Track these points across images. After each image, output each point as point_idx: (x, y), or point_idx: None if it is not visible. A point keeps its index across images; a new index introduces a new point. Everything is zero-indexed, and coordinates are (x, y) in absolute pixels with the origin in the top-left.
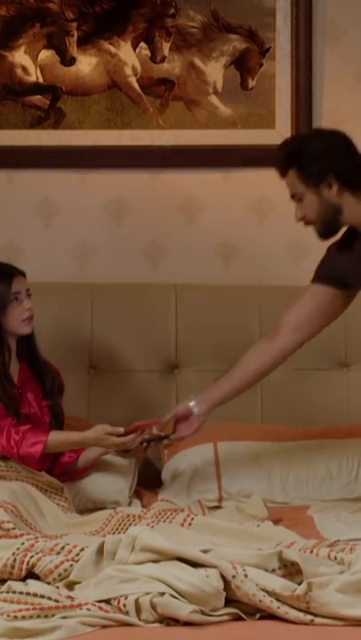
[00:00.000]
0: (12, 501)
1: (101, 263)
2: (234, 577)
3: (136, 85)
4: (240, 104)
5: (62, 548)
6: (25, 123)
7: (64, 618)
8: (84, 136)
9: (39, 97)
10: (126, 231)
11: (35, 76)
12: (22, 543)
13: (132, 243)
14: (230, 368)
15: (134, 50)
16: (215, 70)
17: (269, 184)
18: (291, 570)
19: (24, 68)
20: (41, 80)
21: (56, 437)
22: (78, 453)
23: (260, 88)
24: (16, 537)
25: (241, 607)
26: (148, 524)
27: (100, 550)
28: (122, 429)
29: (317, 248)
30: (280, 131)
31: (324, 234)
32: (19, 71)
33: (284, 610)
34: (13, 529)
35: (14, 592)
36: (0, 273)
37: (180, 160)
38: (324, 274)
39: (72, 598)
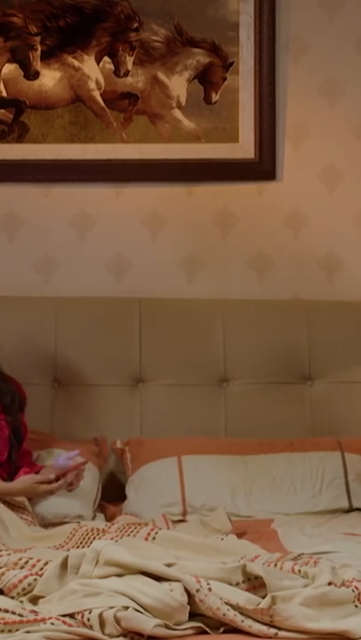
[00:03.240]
0: None
1: (65, 277)
2: (198, 591)
3: (100, 99)
4: (204, 118)
5: (26, 562)
6: None
7: (28, 632)
8: (47, 150)
9: (3, 111)
10: (90, 245)
11: None
12: None
13: (96, 257)
14: None
15: (98, 64)
16: (179, 84)
17: (233, 198)
18: (255, 583)
19: None
20: (4, 94)
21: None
22: (35, 469)
23: (223, 102)
24: None
25: (205, 621)
26: (112, 538)
27: (64, 564)
28: (52, 476)
29: (280, 261)
30: (243, 145)
31: None
32: None
33: (248, 623)
34: None
35: None
36: None
37: (143, 174)
38: None
39: (36, 612)
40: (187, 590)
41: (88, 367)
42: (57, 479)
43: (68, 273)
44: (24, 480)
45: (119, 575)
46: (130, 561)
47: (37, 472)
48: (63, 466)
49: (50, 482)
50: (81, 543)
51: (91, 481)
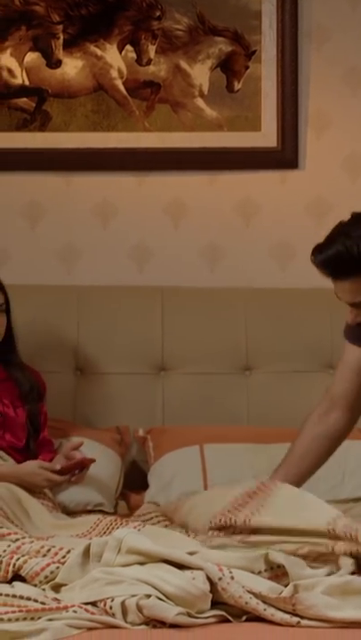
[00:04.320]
0: None
1: (87, 266)
2: (220, 579)
3: (122, 88)
4: (226, 107)
5: (48, 550)
6: (11, 125)
7: (50, 620)
8: (69, 139)
9: (25, 99)
10: (112, 234)
11: (21, 78)
12: (9, 545)
13: (118, 245)
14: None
15: (120, 52)
16: (201, 73)
17: (255, 187)
18: (277, 572)
19: (10, 71)
20: (27, 83)
21: None
22: (54, 455)
23: (245, 91)
24: (3, 536)
25: (227, 609)
26: (135, 527)
27: (87, 553)
28: (58, 466)
29: (303, 250)
30: (266, 133)
31: None
32: (4, 74)
33: (270, 612)
34: (0, 527)
35: (0, 594)
36: None
37: (166, 163)
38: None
39: (58, 600)
40: (209, 578)
41: (110, 355)
42: (63, 472)
43: (90, 262)
44: (29, 463)
45: (141, 563)
46: (152, 549)
47: (51, 459)
48: (67, 455)
49: (54, 471)
50: (104, 533)
51: (113, 469)
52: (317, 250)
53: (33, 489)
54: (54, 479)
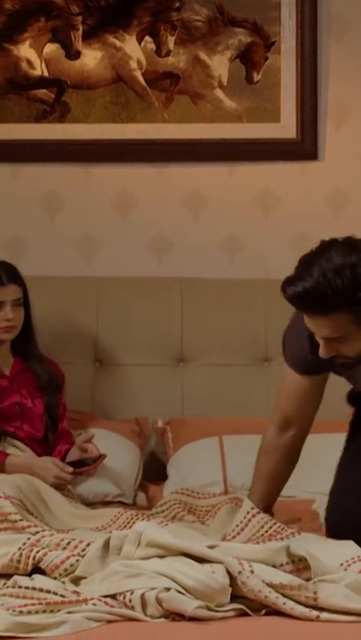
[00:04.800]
0: (17, 495)
1: (107, 257)
2: (240, 573)
3: (141, 79)
4: (245, 98)
5: (68, 543)
6: (30, 116)
7: (70, 613)
8: (89, 130)
9: (44, 91)
10: (132, 225)
11: (40, 69)
12: (28, 538)
13: (137, 237)
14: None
15: (139, 44)
16: (220, 64)
17: (275, 178)
18: (299, 565)
19: (29, 62)
20: (46, 74)
21: (12, 461)
22: (71, 446)
23: (265, 82)
24: (23, 528)
25: (247, 603)
26: (160, 523)
27: (106, 546)
28: (71, 469)
29: None
30: (285, 124)
31: (352, 366)
32: (24, 65)
33: (289, 606)
34: (21, 520)
35: (20, 587)
36: None
37: (185, 154)
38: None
39: (78, 593)
40: (229, 572)
41: (129, 347)
42: (74, 474)
43: (109, 253)
44: (44, 458)
45: (161, 556)
46: (172, 542)
47: (68, 450)
48: (81, 447)
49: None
50: (125, 526)
51: (132, 461)
52: (289, 283)
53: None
54: (63, 477)
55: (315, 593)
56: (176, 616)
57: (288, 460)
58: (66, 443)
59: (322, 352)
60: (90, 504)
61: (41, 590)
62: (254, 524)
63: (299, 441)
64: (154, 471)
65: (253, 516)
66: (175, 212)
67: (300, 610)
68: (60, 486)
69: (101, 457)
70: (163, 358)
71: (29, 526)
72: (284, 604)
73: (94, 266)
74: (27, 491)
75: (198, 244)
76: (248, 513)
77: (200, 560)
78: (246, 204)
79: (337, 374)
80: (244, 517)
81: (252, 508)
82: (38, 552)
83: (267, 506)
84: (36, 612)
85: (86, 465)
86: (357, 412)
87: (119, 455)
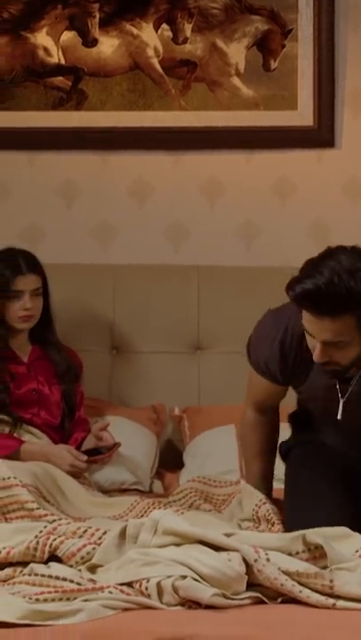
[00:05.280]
0: (34, 483)
1: (123, 245)
2: (256, 561)
3: (158, 67)
4: (262, 85)
5: (85, 531)
6: (47, 104)
7: (86, 601)
8: (105, 117)
9: (61, 78)
10: (148, 213)
11: (57, 57)
12: (45, 526)
13: (154, 224)
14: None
15: (156, 31)
16: (237, 52)
17: (292, 165)
18: (315, 554)
19: (46, 50)
20: (63, 61)
21: (28, 448)
22: (87, 434)
23: (282, 69)
24: (40, 517)
25: (263, 591)
26: (176, 511)
27: (123, 534)
28: (85, 457)
29: (339, 229)
30: (302, 112)
31: (338, 376)
32: (41, 53)
33: (305, 594)
34: (38, 509)
35: (37, 575)
36: (9, 266)
37: (202, 142)
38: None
39: (94, 581)
40: (245, 560)
41: (146, 334)
42: (89, 462)
43: (126, 241)
44: (60, 446)
45: (177, 544)
46: (188, 530)
47: (84, 438)
48: (96, 435)
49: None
50: (141, 515)
51: (148, 448)
52: (297, 281)
53: None
54: (78, 465)
55: (331, 581)
56: (192, 604)
57: (274, 428)
58: (82, 431)
59: (316, 356)
60: (106, 491)
61: (57, 578)
62: (263, 512)
63: (277, 416)
64: (170, 459)
65: (260, 507)
66: (192, 199)
67: (316, 598)
68: (75, 474)
69: (116, 445)
70: (179, 346)
71: (46, 515)
72: (301, 592)
73: (111, 253)
74: (43, 478)
75: (215, 232)
76: (256, 505)
77: (216, 548)
78: (263, 192)
79: (295, 390)
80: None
81: (260, 500)
82: (55, 540)
83: (268, 487)
84: (53, 599)
85: (101, 453)
86: (295, 430)
87: (136, 443)
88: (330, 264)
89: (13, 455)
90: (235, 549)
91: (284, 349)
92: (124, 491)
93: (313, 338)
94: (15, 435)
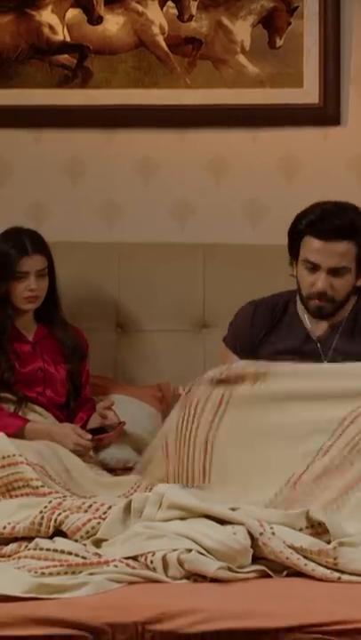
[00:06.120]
0: (39, 462)
1: (129, 223)
2: (261, 534)
3: (163, 44)
4: (268, 63)
5: (90, 506)
6: (52, 82)
7: (91, 574)
8: (111, 95)
9: (66, 56)
10: (154, 191)
11: (62, 35)
12: (50, 501)
13: (159, 202)
14: None
15: (161, 9)
16: (243, 29)
17: (297, 143)
18: (318, 530)
19: (51, 27)
20: (68, 39)
21: (33, 427)
22: (92, 413)
23: (287, 47)
24: (44, 494)
25: (268, 564)
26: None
27: (128, 508)
28: (90, 435)
29: None
30: (308, 90)
31: (327, 315)
32: (46, 30)
33: (310, 567)
34: (42, 486)
35: (42, 549)
36: (15, 246)
37: (207, 119)
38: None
39: (99, 555)
40: (250, 534)
41: (151, 313)
42: (93, 441)
43: (131, 219)
44: (65, 424)
45: (182, 518)
46: (193, 504)
47: (89, 417)
48: (101, 414)
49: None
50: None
51: (153, 426)
52: (307, 210)
53: None
54: (83, 444)
55: (335, 559)
56: (198, 577)
57: None
58: (88, 410)
59: (321, 284)
60: (111, 470)
61: (62, 552)
62: None
63: None
64: None
65: None
66: (197, 177)
67: (321, 571)
68: (80, 453)
69: (120, 424)
70: (185, 324)
71: (50, 492)
72: (306, 565)
73: (116, 231)
74: (48, 457)
75: (221, 210)
76: None
77: (221, 522)
78: (269, 170)
79: None
80: None
81: None
82: (60, 515)
83: None
84: (58, 573)
85: (106, 432)
86: None
87: (141, 421)
88: (331, 202)
89: (18, 434)
90: (240, 523)
91: (256, 315)
92: (128, 469)
93: (315, 272)
94: (20, 413)
